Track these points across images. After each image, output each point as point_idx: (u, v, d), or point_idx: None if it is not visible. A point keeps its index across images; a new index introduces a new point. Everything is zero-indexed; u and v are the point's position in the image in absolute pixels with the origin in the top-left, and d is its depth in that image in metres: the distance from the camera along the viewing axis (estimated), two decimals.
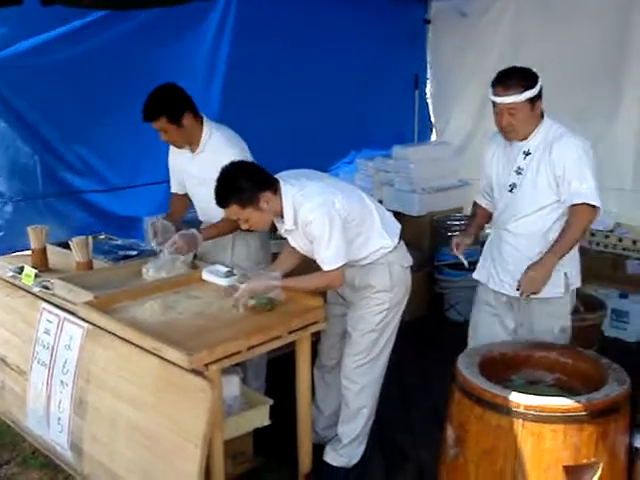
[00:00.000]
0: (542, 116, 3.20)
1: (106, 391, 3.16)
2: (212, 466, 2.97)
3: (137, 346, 2.98)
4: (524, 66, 3.18)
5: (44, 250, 3.92)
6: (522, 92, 3.05)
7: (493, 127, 3.29)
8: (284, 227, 3.14)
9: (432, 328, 5.40)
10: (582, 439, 2.57)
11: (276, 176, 3.15)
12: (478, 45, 5.98)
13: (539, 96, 3.14)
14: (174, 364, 2.81)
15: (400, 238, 3.32)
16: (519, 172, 3.22)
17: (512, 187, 3.25)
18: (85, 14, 4.36)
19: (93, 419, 3.22)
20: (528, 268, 3.12)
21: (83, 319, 3.28)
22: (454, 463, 2.83)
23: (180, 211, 3.98)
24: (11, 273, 3.80)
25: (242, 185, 3.00)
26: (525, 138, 3.19)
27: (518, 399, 2.61)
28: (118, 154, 4.80)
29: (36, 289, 3.61)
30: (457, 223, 5.59)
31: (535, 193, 3.18)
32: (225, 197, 3.03)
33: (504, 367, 3.05)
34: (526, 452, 2.59)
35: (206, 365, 2.79)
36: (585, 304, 4.67)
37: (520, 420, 2.59)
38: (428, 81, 6.46)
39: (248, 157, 3.56)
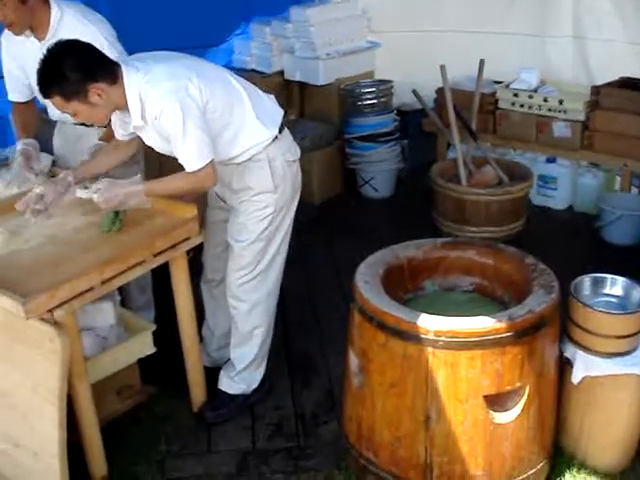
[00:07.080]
0: None
1: None
2: (80, 419, 2.53)
3: None
4: None
5: None
6: None
7: None
8: (132, 123, 2.51)
9: (346, 207, 4.91)
10: (504, 364, 2.14)
11: (119, 61, 2.51)
12: None
13: None
14: None
15: (283, 126, 2.73)
16: None
17: None
18: None
19: None
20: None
21: None
22: (359, 393, 2.40)
23: (32, 124, 3.18)
24: None
25: (66, 73, 2.33)
26: None
27: (426, 323, 2.13)
28: None
29: None
30: (368, 90, 5.02)
31: None
32: (46, 86, 2.39)
33: (414, 273, 2.58)
34: (439, 384, 2.15)
35: (50, 311, 2.26)
36: (510, 174, 4.26)
37: (430, 348, 2.13)
38: None
39: (113, 38, 2.90)
